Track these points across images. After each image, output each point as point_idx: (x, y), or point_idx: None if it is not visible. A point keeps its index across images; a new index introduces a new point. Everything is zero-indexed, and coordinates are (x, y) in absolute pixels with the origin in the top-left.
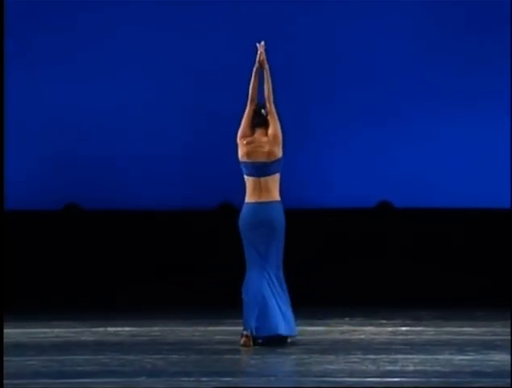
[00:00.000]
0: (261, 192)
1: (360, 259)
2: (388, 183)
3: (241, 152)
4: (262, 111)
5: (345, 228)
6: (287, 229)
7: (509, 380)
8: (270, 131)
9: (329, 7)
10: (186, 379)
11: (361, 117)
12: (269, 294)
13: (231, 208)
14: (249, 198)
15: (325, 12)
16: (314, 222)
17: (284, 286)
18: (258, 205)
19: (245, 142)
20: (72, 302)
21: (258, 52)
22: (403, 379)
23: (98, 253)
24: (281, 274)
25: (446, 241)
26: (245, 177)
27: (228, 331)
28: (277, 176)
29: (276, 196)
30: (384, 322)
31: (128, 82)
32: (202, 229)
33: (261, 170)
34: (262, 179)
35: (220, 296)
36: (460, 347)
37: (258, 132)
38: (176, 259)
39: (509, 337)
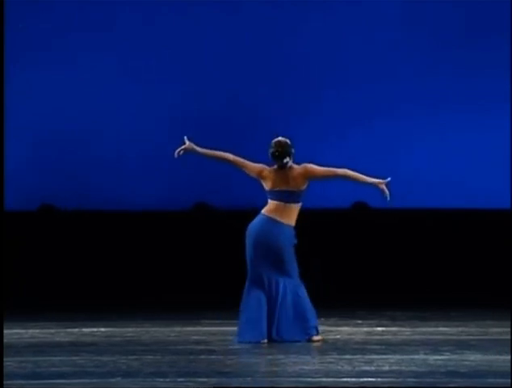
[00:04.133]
0: (282, 214)
1: (335, 260)
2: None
3: (266, 183)
4: (285, 160)
5: (320, 228)
6: None
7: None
8: (311, 170)
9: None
10: (161, 380)
11: (340, 119)
12: (264, 301)
13: (206, 208)
14: (267, 211)
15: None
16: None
17: (299, 289)
18: (273, 222)
19: (268, 170)
20: (47, 303)
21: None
22: (378, 379)
23: (72, 254)
24: (294, 280)
25: (420, 241)
26: (270, 200)
27: (204, 331)
28: (300, 205)
29: (293, 221)
30: (359, 322)
31: (104, 85)
32: (177, 229)
33: (287, 197)
34: (288, 205)
35: (196, 296)
36: (435, 347)
37: (281, 170)
38: (151, 259)
39: (484, 337)
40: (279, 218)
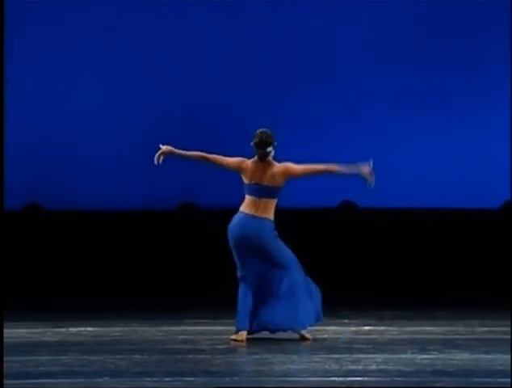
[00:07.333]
0: (258, 209)
1: (322, 259)
2: (351, 183)
3: (245, 175)
4: (268, 149)
5: (307, 228)
6: None
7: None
8: (291, 169)
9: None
10: (148, 379)
11: (325, 117)
12: (259, 291)
13: (192, 207)
14: (244, 208)
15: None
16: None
17: (297, 281)
18: (251, 217)
19: (248, 162)
20: (34, 302)
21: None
22: (365, 378)
23: (58, 253)
24: (294, 273)
25: (407, 240)
26: (246, 195)
27: (191, 330)
28: (276, 201)
29: (271, 215)
30: (346, 321)
31: (86, 83)
32: (163, 229)
33: (264, 191)
34: (263, 199)
35: (182, 296)
36: (422, 346)
37: (261, 163)
38: (137, 258)
39: (471, 336)
40: (256, 214)
